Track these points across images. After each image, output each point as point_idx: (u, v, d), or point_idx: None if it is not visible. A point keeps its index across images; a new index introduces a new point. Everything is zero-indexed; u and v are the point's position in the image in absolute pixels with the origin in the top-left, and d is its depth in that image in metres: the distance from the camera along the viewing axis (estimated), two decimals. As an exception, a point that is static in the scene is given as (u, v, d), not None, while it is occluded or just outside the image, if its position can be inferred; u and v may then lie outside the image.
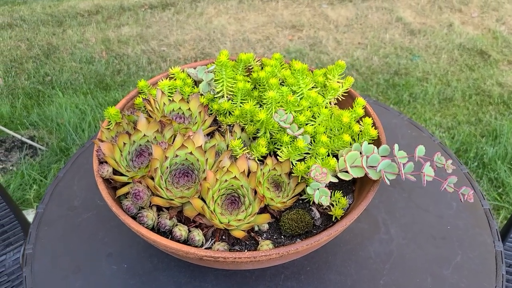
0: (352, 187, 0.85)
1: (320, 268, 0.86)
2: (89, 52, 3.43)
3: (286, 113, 0.80)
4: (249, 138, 0.88)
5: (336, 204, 0.77)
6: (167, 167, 0.75)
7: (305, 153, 0.82)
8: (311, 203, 0.80)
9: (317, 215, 0.79)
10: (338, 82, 0.92)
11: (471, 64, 3.25)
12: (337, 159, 0.83)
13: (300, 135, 0.79)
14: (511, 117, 2.66)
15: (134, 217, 0.75)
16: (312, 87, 0.90)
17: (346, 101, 0.94)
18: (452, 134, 2.55)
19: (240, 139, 0.80)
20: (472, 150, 2.41)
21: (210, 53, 3.34)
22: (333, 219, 0.77)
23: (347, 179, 0.76)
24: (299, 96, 0.88)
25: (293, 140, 0.82)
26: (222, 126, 0.90)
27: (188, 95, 0.94)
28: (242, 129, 0.88)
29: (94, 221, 0.96)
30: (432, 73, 3.14)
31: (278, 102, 0.84)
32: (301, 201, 0.82)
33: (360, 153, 0.81)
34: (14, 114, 2.74)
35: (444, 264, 0.88)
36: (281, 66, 0.97)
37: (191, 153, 0.76)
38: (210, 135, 0.89)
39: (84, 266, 0.88)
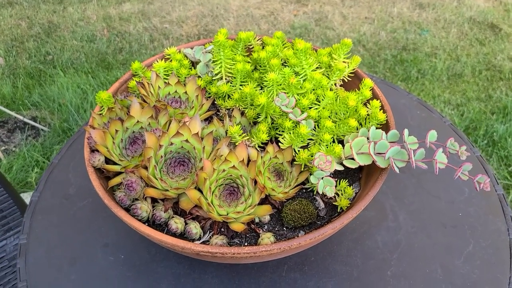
0: (359, 175, 0.81)
1: (325, 259, 0.82)
2: (90, 30, 3.37)
3: (288, 97, 0.75)
4: (249, 123, 0.83)
5: (342, 194, 0.73)
6: (162, 156, 0.70)
7: (308, 140, 0.77)
8: (314, 192, 0.75)
9: (322, 205, 0.74)
10: (344, 62, 0.86)
11: (482, 38, 3.15)
12: (343, 145, 0.79)
13: (303, 120, 0.74)
14: (522, 93, 2.58)
15: (127, 209, 0.71)
16: (316, 68, 0.84)
17: (352, 82, 0.88)
18: (461, 111, 2.48)
19: (240, 125, 0.76)
20: (481, 127, 2.35)
21: (213, 30, 3.26)
22: (339, 210, 0.73)
23: (353, 167, 0.72)
24: (302, 77, 0.83)
25: (295, 126, 0.77)
26: (220, 111, 0.85)
27: (185, 78, 0.89)
28: (242, 114, 0.83)
29: (89, 209, 0.93)
30: (441, 48, 3.06)
31: (280, 85, 0.79)
32: (304, 190, 0.77)
33: (367, 138, 0.76)
34: (15, 94, 2.70)
35: (455, 254, 0.84)
36: (283, 45, 0.92)
37: (187, 140, 0.72)
38: (208, 120, 0.84)
39: (79, 257, 0.84)
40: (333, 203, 0.73)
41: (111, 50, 3.14)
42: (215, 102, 0.87)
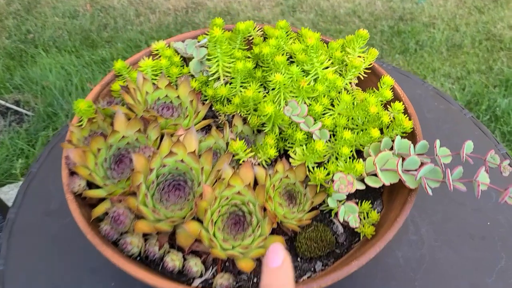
0: (380, 189, 0.71)
1: (341, 281, 0.73)
2: (72, 6, 3.18)
3: (299, 104, 0.64)
4: (253, 132, 0.72)
5: (364, 218, 0.63)
6: (153, 181, 0.60)
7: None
8: (332, 215, 0.65)
9: (340, 229, 0.64)
10: (359, 56, 0.75)
11: (481, 6, 3.02)
12: (361, 155, 0.68)
13: (317, 130, 0.64)
14: (524, 64, 2.48)
15: (115, 242, 0.61)
16: (328, 67, 0.73)
17: (368, 79, 0.77)
18: (462, 85, 2.38)
19: (242, 141, 0.65)
20: (484, 102, 2.26)
21: (202, 3, 3.09)
22: (361, 237, 0.63)
23: (377, 186, 0.62)
24: (312, 76, 0.72)
25: (308, 137, 0.66)
26: (219, 117, 0.74)
27: (176, 78, 0.77)
28: (244, 120, 0.72)
29: (74, 228, 0.82)
30: (439, 17, 2.93)
31: (287, 87, 0.68)
32: (319, 211, 0.67)
33: (391, 148, 0.65)
34: (-4, 76, 2.54)
35: (486, 270, 0.75)
36: (287, 36, 0.80)
37: (182, 160, 0.61)
38: (205, 130, 0.73)
39: (64, 285, 0.75)
40: (355, 229, 0.63)
41: (95, 26, 2.96)
42: (213, 107, 0.75)
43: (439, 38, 2.72)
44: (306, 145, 0.65)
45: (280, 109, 0.65)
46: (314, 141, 0.61)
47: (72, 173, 0.64)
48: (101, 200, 0.63)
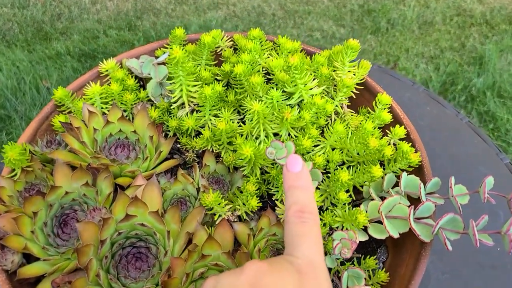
0: (383, 232, 0.60)
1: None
2: (20, -6, 2.93)
3: (284, 142, 0.52)
4: (228, 170, 0.60)
5: (370, 278, 0.52)
6: (106, 255, 0.47)
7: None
8: (331, 274, 0.54)
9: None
10: (349, 71, 0.63)
11: (449, -21, 2.94)
12: (361, 197, 0.57)
13: (306, 172, 0.52)
14: (496, 39, 2.43)
15: (64, 333, 0.48)
16: (315, 86, 0.60)
17: (360, 96, 0.65)
18: (436, 64, 2.31)
19: (217, 192, 0.52)
20: (459, 82, 2.19)
21: (163, -13, 2.90)
22: (367, 301, 0.52)
23: (383, 237, 0.51)
24: (296, 100, 0.59)
25: (296, 178, 0.55)
26: (186, 153, 0.61)
27: (132, 106, 0.64)
28: (217, 157, 0.60)
29: None
30: (408, -7, 2.84)
31: (267, 116, 0.56)
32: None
33: (395, 183, 0.55)
34: None
35: (501, 307, 0.66)
36: (261, 47, 0.67)
37: (142, 224, 0.48)
38: (171, 172, 0.60)
39: None
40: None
41: (48, 17, 2.74)
42: (178, 141, 0.62)
43: (410, 16, 2.64)
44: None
45: (261, 148, 0.53)
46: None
47: (3, 247, 0.50)
48: (43, 276, 0.50)
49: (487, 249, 0.71)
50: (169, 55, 0.56)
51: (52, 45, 2.55)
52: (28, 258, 0.51)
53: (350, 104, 0.64)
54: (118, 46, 2.49)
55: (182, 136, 0.62)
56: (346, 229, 0.51)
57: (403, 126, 0.59)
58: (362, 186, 0.56)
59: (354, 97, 0.64)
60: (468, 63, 2.37)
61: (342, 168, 0.55)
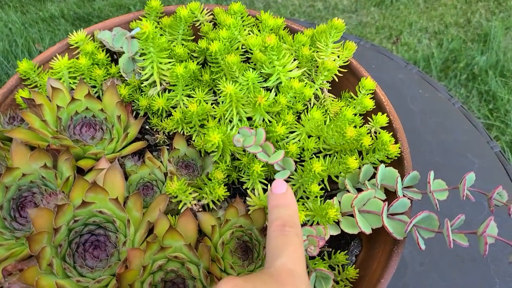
0: (358, 224, 0.57)
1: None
2: (13, -49, 2.83)
3: (255, 129, 0.49)
4: (200, 154, 0.57)
5: (339, 273, 0.50)
6: (61, 243, 0.45)
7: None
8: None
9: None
10: (332, 53, 0.59)
11: (458, -51, 2.84)
12: (337, 187, 0.55)
13: (279, 161, 0.49)
14: (502, 16, 2.36)
15: (18, 320, 0.46)
16: (295, 68, 0.57)
17: (344, 79, 0.62)
18: (439, 40, 2.25)
19: (182, 180, 0.50)
20: (462, 59, 2.14)
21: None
22: (335, 297, 0.50)
23: (355, 232, 0.48)
24: (274, 82, 0.56)
25: (269, 167, 0.52)
26: (156, 134, 0.58)
27: (102, 82, 0.60)
28: (189, 140, 0.57)
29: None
30: (416, -37, 2.74)
31: (241, 100, 0.53)
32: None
33: (372, 175, 0.52)
34: None
35: (478, 302, 0.64)
36: (242, 23, 0.63)
37: (101, 211, 0.46)
38: (138, 155, 0.57)
39: None
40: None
41: (41, -23, 2.66)
42: (149, 121, 0.59)
43: (416, -12, 2.56)
44: (267, 181, 0.51)
45: (231, 134, 0.50)
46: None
47: (-44, 228, 0.48)
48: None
49: (469, 241, 0.69)
50: (139, 32, 0.52)
51: (46, 7, 2.49)
52: (-17, 241, 0.49)
53: (332, 88, 0.61)
54: (114, 11, 2.42)
55: (153, 117, 0.58)
56: (317, 223, 0.48)
57: (385, 114, 0.56)
58: (337, 177, 0.53)
59: (337, 80, 0.60)
60: (473, 40, 2.31)
61: (318, 157, 0.52)
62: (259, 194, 0.50)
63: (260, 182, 0.51)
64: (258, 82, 0.54)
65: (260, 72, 0.56)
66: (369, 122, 0.56)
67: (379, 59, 0.91)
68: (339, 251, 0.51)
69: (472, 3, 2.51)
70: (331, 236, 0.54)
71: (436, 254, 0.69)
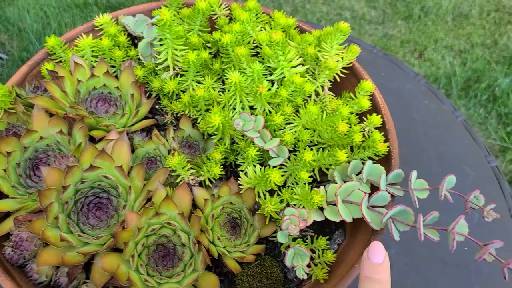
0: (344, 215, 0.61)
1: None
2: None
3: (255, 116, 0.53)
4: (203, 137, 0.62)
5: (319, 257, 0.54)
6: (68, 200, 0.49)
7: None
8: (282, 249, 0.56)
9: (291, 264, 0.55)
10: (336, 54, 0.63)
11: (493, -28, 2.83)
12: (325, 178, 0.58)
13: (274, 147, 0.53)
14: (532, 41, 2.34)
15: (22, 266, 0.51)
16: (299, 64, 0.61)
17: (346, 80, 0.65)
18: (463, 59, 2.25)
19: (182, 156, 0.54)
20: (484, 80, 2.14)
21: None
22: (313, 278, 0.54)
23: (337, 220, 0.52)
24: (278, 76, 0.60)
25: (263, 152, 0.56)
26: (165, 115, 0.63)
27: (120, 63, 0.65)
28: (195, 123, 0.62)
29: None
30: (449, -18, 2.74)
31: (245, 89, 0.57)
32: (266, 243, 0.58)
33: (360, 173, 0.55)
34: (-32, 14, 2.38)
35: (456, 305, 0.67)
36: (257, 20, 0.67)
37: (106, 176, 0.50)
38: (147, 131, 0.62)
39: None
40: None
41: (80, -35, 2.75)
42: (159, 102, 0.64)
43: (446, 6, 2.56)
44: (260, 165, 0.55)
45: (233, 117, 0.54)
46: (270, 167, 0.51)
47: (-23, 179, 0.53)
48: (8, 214, 0.53)
49: (455, 247, 0.72)
50: (157, 19, 0.57)
51: (82, -9, 2.57)
52: (-1, 195, 0.54)
53: (334, 87, 0.65)
54: (145, 1, 2.49)
55: (164, 98, 0.63)
56: (303, 207, 0.52)
57: (380, 115, 0.59)
58: (328, 169, 0.57)
59: (339, 80, 0.64)
60: (497, 61, 2.30)
61: (312, 149, 0.55)
62: (250, 176, 0.54)
63: (254, 166, 0.55)
64: (263, 75, 0.58)
65: (267, 67, 0.60)
66: (364, 121, 0.60)
67: (389, 68, 0.94)
68: (320, 236, 0.55)
69: (502, 25, 2.50)
70: (317, 224, 0.58)
71: (420, 257, 0.71)
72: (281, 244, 0.56)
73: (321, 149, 0.58)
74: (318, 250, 0.54)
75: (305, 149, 0.56)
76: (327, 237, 0.55)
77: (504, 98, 2.12)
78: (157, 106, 0.65)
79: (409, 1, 2.59)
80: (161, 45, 0.61)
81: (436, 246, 0.71)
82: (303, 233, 0.57)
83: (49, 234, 0.47)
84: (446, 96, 2.04)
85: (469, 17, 2.53)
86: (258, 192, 0.54)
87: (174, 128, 0.61)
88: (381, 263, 0.41)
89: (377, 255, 0.41)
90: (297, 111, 0.59)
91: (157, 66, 0.64)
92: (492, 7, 2.61)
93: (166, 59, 0.62)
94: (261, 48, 0.61)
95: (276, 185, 0.51)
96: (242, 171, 0.56)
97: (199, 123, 0.60)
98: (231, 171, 0.61)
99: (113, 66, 0.66)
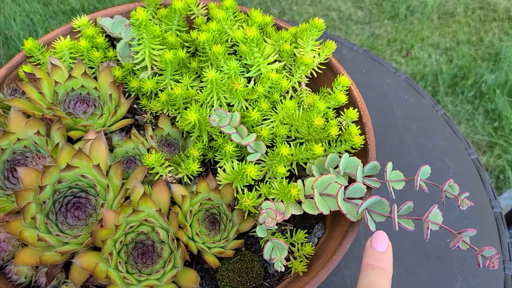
0: (324, 209, 0.61)
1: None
2: None
3: (231, 112, 0.53)
4: (182, 135, 0.62)
5: (298, 250, 0.54)
6: (45, 200, 0.50)
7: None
8: (261, 244, 0.56)
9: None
10: (312, 50, 0.63)
11: (476, -30, 2.87)
12: (303, 173, 0.59)
13: (251, 143, 0.53)
14: (515, 36, 2.37)
15: (1, 268, 0.51)
16: (276, 61, 0.61)
17: (324, 75, 0.66)
18: (450, 56, 2.27)
19: (159, 153, 0.54)
20: (470, 77, 2.16)
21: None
22: (292, 272, 0.54)
23: (314, 213, 0.52)
24: (255, 73, 0.61)
25: (241, 148, 0.57)
26: (144, 114, 0.63)
27: (99, 64, 0.66)
28: (173, 122, 0.62)
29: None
30: (433, -20, 2.77)
31: (222, 86, 0.57)
32: (246, 238, 0.58)
33: (337, 167, 0.56)
34: (-47, 23, 2.37)
35: (439, 296, 0.68)
36: (234, 18, 0.68)
37: (83, 176, 0.50)
38: (126, 130, 0.62)
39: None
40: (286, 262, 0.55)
41: (66, -28, 2.75)
42: (139, 101, 0.64)
43: (431, 4, 2.59)
44: (238, 161, 0.55)
45: (207, 116, 0.55)
46: (246, 162, 0.51)
47: (-46, 182, 0.53)
48: (-10, 215, 0.53)
49: (436, 240, 0.73)
50: (133, 17, 0.57)
51: (68, 0, 2.57)
52: (-22, 197, 0.54)
53: (312, 83, 0.65)
54: (126, 2, 2.49)
55: (143, 97, 0.63)
56: (281, 201, 0.53)
57: (356, 109, 0.60)
58: (306, 164, 0.57)
59: (317, 76, 0.65)
60: (483, 58, 2.33)
61: (289, 144, 0.56)
62: (228, 171, 0.54)
63: (232, 162, 0.55)
64: (240, 72, 0.58)
65: (245, 64, 0.61)
66: (341, 116, 0.61)
67: (369, 64, 0.95)
68: (299, 230, 0.55)
69: (486, 22, 2.53)
70: (297, 218, 0.59)
71: (404, 250, 0.72)
72: (261, 239, 0.56)
73: (298, 143, 0.58)
74: (297, 243, 0.54)
75: (282, 144, 0.56)
76: (306, 230, 0.56)
77: (491, 94, 2.14)
78: (135, 106, 0.65)
79: (395, 1, 2.61)
80: (138, 45, 0.62)
81: (419, 239, 0.72)
82: (283, 227, 0.58)
83: (26, 234, 0.47)
84: (433, 93, 2.06)
85: (454, 15, 2.56)
86: (237, 187, 0.54)
87: (153, 127, 0.62)
88: (384, 251, 0.41)
89: (380, 244, 0.41)
90: (274, 107, 0.60)
91: (135, 66, 0.64)
92: (477, 4, 2.64)
93: (144, 59, 0.62)
94: (238, 46, 0.62)
95: (253, 179, 0.52)
96: (220, 167, 0.57)
97: (177, 122, 0.61)
98: (211, 168, 0.61)
99: (92, 67, 0.66)
